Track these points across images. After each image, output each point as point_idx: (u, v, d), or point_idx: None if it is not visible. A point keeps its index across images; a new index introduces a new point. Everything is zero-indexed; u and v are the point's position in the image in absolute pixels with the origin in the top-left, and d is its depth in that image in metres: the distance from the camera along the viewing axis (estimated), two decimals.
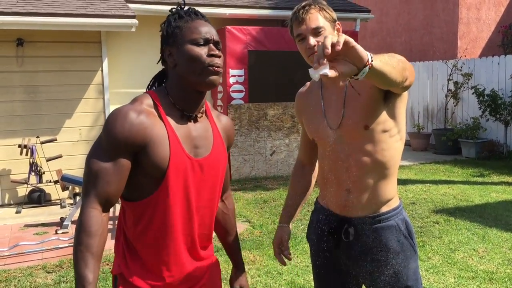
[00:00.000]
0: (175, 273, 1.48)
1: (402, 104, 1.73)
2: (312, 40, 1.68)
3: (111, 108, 7.09)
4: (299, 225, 5.09)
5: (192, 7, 1.51)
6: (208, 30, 1.40)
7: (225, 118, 1.62)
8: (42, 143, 6.30)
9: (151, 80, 1.56)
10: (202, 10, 7.54)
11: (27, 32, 6.28)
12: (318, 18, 1.70)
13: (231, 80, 7.67)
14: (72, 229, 5.15)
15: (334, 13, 1.75)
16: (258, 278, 3.78)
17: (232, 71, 7.65)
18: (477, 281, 3.62)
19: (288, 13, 8.19)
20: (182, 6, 1.50)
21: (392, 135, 1.73)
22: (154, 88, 1.54)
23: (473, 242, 4.43)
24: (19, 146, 6.06)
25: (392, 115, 1.71)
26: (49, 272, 3.97)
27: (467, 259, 4.04)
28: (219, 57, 1.40)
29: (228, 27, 7.52)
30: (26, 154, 6.09)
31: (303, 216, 5.39)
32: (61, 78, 6.61)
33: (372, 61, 1.23)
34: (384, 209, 1.77)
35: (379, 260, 1.77)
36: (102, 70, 6.78)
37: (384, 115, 1.70)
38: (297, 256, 4.19)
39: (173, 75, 1.43)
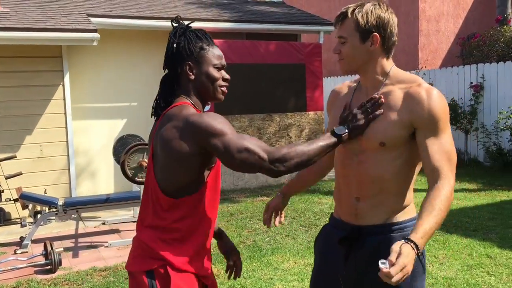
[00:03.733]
0: (209, 259, 1.78)
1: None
2: (336, 48, 1.77)
3: (74, 123, 6.97)
4: (265, 237, 5.09)
5: (203, 30, 1.76)
6: (223, 57, 1.75)
7: None
8: (1, 160, 6.12)
9: (163, 90, 1.78)
10: (165, 23, 7.54)
11: None
12: (348, 26, 1.72)
13: None
14: (31, 248, 5.00)
15: (377, 20, 1.69)
16: None
17: None
18: (436, 287, 3.70)
19: (252, 26, 8.32)
20: (189, 24, 1.80)
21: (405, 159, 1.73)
22: (160, 95, 1.79)
23: (434, 249, 4.52)
24: None
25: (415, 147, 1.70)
26: None
27: (428, 266, 4.11)
28: (229, 80, 1.76)
29: None
30: None
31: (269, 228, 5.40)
32: (21, 93, 6.47)
33: (419, 251, 1.41)
34: (399, 218, 1.75)
35: None
36: (63, 85, 6.68)
37: (404, 141, 1.69)
38: (262, 269, 4.18)
39: (190, 86, 1.72)
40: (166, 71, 1.78)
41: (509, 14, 9.96)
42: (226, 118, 7.89)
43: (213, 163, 1.69)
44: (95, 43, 6.26)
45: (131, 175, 4.88)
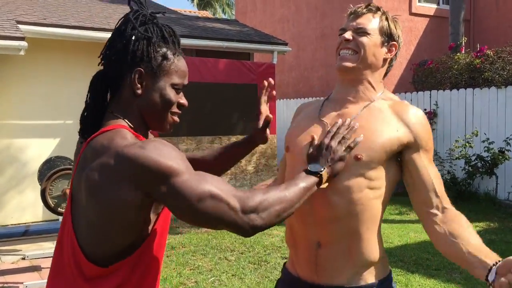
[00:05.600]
0: None
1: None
2: (348, 34, 1.49)
3: None
4: (209, 277, 4.50)
5: (171, 26, 1.30)
6: (187, 74, 1.29)
7: None
8: None
9: (93, 98, 1.28)
10: (98, 35, 6.85)
11: None
12: (374, 21, 1.50)
13: None
14: None
15: (400, 31, 1.54)
16: None
17: None
18: None
19: (202, 42, 7.81)
20: (155, 13, 1.29)
21: (377, 186, 1.43)
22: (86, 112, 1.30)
23: None
24: None
25: (393, 172, 1.46)
26: None
27: None
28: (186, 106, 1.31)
29: None
30: None
31: (214, 265, 4.82)
32: None
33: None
34: (369, 278, 1.42)
35: None
36: None
37: (384, 158, 1.42)
38: None
39: (134, 102, 1.24)
40: (103, 68, 1.29)
41: (461, 42, 9.98)
42: (171, 140, 7.28)
43: (162, 207, 1.26)
44: (22, 53, 5.56)
45: (53, 205, 4.20)
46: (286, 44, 8.60)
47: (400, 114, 1.44)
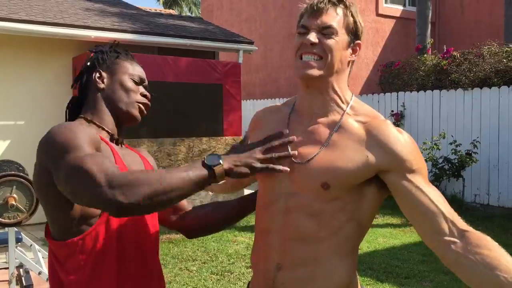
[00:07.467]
0: None
1: (381, 197, 1.34)
2: (313, 36, 1.27)
3: None
4: None
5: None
6: (143, 73, 1.46)
7: (144, 150, 1.60)
8: None
9: (69, 115, 1.46)
10: (63, 31, 6.50)
11: None
12: (338, 18, 1.29)
13: None
14: None
15: (362, 25, 1.33)
16: None
17: None
18: None
19: (164, 39, 7.44)
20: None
21: (350, 213, 1.29)
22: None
23: None
24: None
25: (364, 201, 1.30)
26: None
27: None
28: (150, 99, 1.46)
29: None
30: None
31: (173, 277, 4.51)
32: None
33: None
34: None
35: None
36: None
37: (353, 185, 1.26)
38: None
39: (99, 97, 1.41)
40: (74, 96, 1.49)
41: (428, 43, 9.96)
42: (131, 143, 6.84)
43: None
44: None
45: None
46: (252, 43, 8.36)
47: (374, 135, 1.26)
